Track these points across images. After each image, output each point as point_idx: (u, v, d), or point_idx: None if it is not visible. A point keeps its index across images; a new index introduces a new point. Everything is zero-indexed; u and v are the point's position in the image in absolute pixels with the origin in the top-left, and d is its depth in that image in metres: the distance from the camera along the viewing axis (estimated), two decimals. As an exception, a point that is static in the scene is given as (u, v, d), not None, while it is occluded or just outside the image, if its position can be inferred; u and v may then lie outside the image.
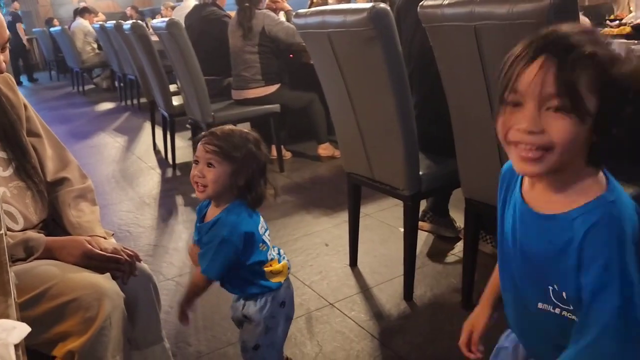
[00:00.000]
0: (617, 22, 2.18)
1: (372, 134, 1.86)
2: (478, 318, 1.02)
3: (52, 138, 1.42)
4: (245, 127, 1.38)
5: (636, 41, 1.77)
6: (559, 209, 0.76)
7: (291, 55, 3.54)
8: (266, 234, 1.33)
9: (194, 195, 3.33)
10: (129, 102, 6.45)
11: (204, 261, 1.27)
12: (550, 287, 0.78)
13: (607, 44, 0.70)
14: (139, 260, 1.31)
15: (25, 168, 1.29)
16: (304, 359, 1.65)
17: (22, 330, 0.42)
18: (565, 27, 0.71)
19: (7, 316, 0.46)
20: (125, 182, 3.63)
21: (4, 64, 1.18)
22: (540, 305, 0.81)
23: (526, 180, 0.83)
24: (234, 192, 1.27)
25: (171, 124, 3.78)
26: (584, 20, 1.59)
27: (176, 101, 3.69)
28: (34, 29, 10.91)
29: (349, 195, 2.14)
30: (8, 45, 1.24)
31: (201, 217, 1.33)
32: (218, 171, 1.25)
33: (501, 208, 0.89)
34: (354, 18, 1.64)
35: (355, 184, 2.10)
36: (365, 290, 2.00)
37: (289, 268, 1.37)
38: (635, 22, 1.99)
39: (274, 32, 3.36)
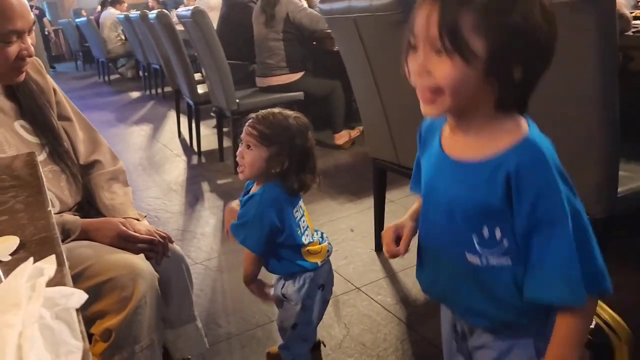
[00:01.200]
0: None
1: (398, 119, 1.86)
2: (403, 225, 0.98)
3: (83, 121, 1.45)
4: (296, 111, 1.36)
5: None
6: (481, 154, 0.76)
7: (314, 43, 3.53)
8: (302, 219, 1.34)
9: (219, 181, 3.38)
10: (153, 91, 6.52)
11: (240, 233, 1.29)
12: (479, 232, 0.78)
13: None
14: (172, 242, 1.34)
15: (58, 152, 1.32)
16: (332, 341, 1.67)
17: (80, 296, 0.45)
18: None
19: (63, 284, 0.48)
20: (152, 169, 3.69)
21: (32, 47, 1.20)
22: (469, 257, 0.81)
23: (446, 130, 0.84)
24: (270, 177, 1.28)
25: (196, 112, 3.81)
26: (619, 1, 1.55)
27: (201, 89, 3.72)
28: (59, 20, 11.08)
29: (374, 180, 2.14)
30: (34, 28, 1.25)
31: (246, 192, 1.35)
32: (254, 154, 1.26)
33: (423, 160, 0.90)
34: (381, 2, 1.63)
35: (380, 169, 2.11)
36: (391, 274, 2.01)
37: (329, 251, 1.38)
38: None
39: (298, 19, 3.36)
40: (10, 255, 0.57)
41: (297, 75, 3.48)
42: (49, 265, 0.48)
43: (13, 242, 0.58)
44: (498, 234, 0.77)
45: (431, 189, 0.86)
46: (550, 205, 0.72)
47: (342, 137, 3.64)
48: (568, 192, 0.74)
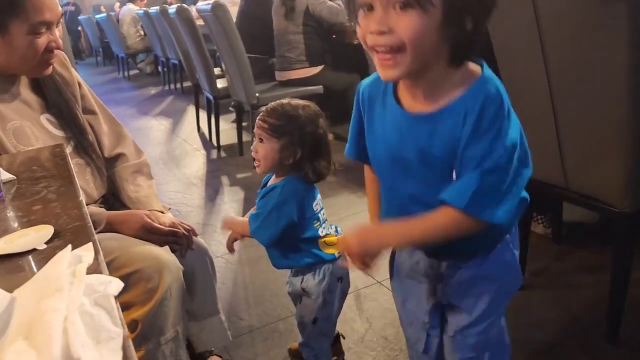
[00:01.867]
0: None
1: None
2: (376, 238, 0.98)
3: (107, 115, 1.46)
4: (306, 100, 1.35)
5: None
6: (443, 103, 0.78)
7: (334, 36, 3.52)
8: (322, 212, 1.34)
9: (239, 175, 3.39)
10: (172, 86, 6.57)
11: (255, 222, 1.28)
12: (451, 178, 0.81)
13: None
14: (196, 235, 1.34)
15: (83, 145, 1.33)
16: (354, 335, 1.66)
17: (118, 284, 0.45)
18: None
19: (99, 272, 0.48)
20: (172, 164, 3.72)
21: (60, 40, 1.21)
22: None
23: (403, 90, 0.83)
24: (285, 169, 1.28)
25: (215, 106, 3.83)
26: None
27: (220, 84, 3.74)
28: (79, 17, 11.21)
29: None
30: (62, 21, 1.26)
31: (264, 185, 1.35)
32: (267, 147, 1.26)
33: (370, 121, 0.90)
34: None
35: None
36: (412, 269, 2.00)
37: None
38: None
39: (318, 11, 3.35)
40: (46, 243, 0.57)
41: (316, 69, 3.47)
42: (86, 252, 0.48)
43: (48, 230, 0.58)
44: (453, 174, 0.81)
45: (396, 148, 0.85)
46: (496, 130, 0.75)
47: None
48: (512, 133, 0.77)
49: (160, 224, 1.27)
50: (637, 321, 1.57)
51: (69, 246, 0.49)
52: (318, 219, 1.32)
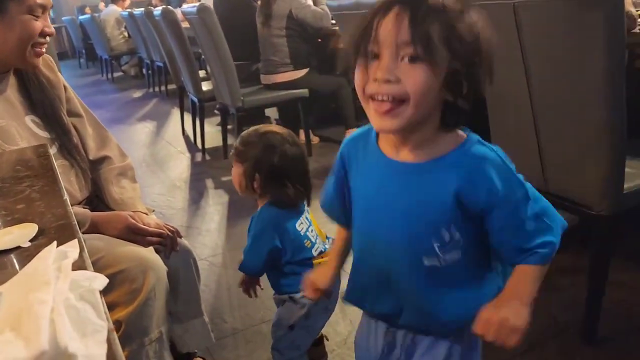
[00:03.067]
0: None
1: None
2: (322, 275, 1.03)
3: (92, 118, 1.46)
4: (273, 122, 1.40)
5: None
6: (430, 156, 0.78)
7: (319, 40, 3.54)
8: (310, 229, 1.34)
9: (224, 178, 3.38)
10: (156, 89, 6.53)
11: (244, 256, 1.31)
12: (439, 235, 0.78)
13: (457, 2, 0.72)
14: (180, 236, 1.34)
15: (68, 147, 1.33)
16: (337, 337, 1.67)
17: (102, 280, 0.45)
18: None
19: (84, 269, 0.49)
20: (156, 166, 3.70)
21: (53, 28, 1.24)
22: (426, 261, 0.80)
23: (386, 143, 0.82)
24: (254, 193, 1.31)
25: (200, 109, 3.82)
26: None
27: (205, 86, 3.73)
28: (63, 17, 11.10)
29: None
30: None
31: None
32: (235, 171, 1.32)
33: (354, 177, 0.88)
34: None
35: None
36: (396, 271, 2.01)
37: None
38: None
39: (302, 16, 3.36)
40: (30, 241, 0.57)
41: (301, 72, 3.49)
42: (72, 249, 0.49)
43: (32, 229, 0.59)
44: (456, 234, 0.79)
45: (379, 202, 0.83)
46: (509, 179, 0.76)
47: None
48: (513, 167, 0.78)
49: (144, 225, 1.27)
50: (615, 322, 1.60)
51: (55, 242, 0.50)
52: (308, 239, 1.32)
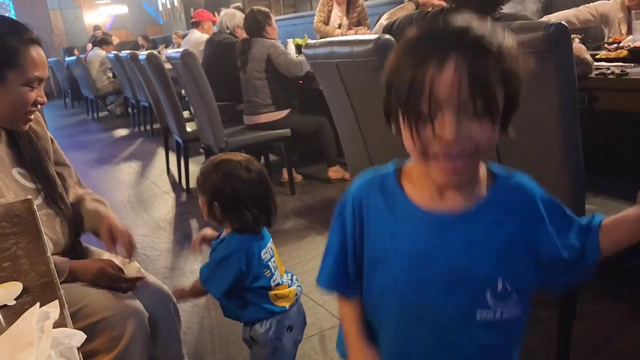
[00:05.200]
0: (615, 45, 2.25)
1: (380, 157, 1.94)
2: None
3: (73, 169, 1.54)
4: (237, 152, 1.46)
5: (633, 65, 1.85)
6: (470, 202, 0.73)
7: (300, 82, 3.65)
8: (272, 260, 1.38)
9: (206, 217, 3.41)
10: (142, 128, 6.60)
11: (204, 274, 1.35)
12: (493, 286, 0.73)
13: (496, 34, 0.67)
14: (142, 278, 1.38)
15: (53, 196, 1.38)
16: (318, 376, 1.70)
17: (80, 336, 0.50)
18: (461, 18, 0.67)
19: (64, 326, 0.54)
20: (140, 207, 3.73)
21: (45, 97, 1.31)
22: (479, 315, 0.73)
23: (418, 191, 0.75)
24: (221, 221, 1.36)
25: (185, 149, 3.88)
26: (579, 46, 1.66)
27: (189, 127, 3.80)
28: (49, 59, 11.19)
29: (359, 216, 2.21)
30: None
31: (218, 236, 1.41)
32: (200, 201, 1.38)
33: (375, 234, 0.78)
34: (361, 49, 1.73)
35: (364, 205, 2.18)
36: (376, 309, 2.05)
37: (297, 294, 1.41)
38: (632, 45, 2.07)
39: (277, 62, 3.49)
40: (15, 299, 0.62)
41: (283, 113, 3.58)
42: (53, 309, 0.54)
43: (17, 287, 0.63)
44: (509, 286, 0.73)
45: (422, 259, 0.74)
46: (559, 204, 0.77)
47: (336, 172, 3.71)
48: None
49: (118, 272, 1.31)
50: (588, 352, 1.66)
51: (38, 304, 0.54)
52: (268, 267, 1.36)
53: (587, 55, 1.67)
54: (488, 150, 0.69)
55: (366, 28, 4.77)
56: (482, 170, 0.76)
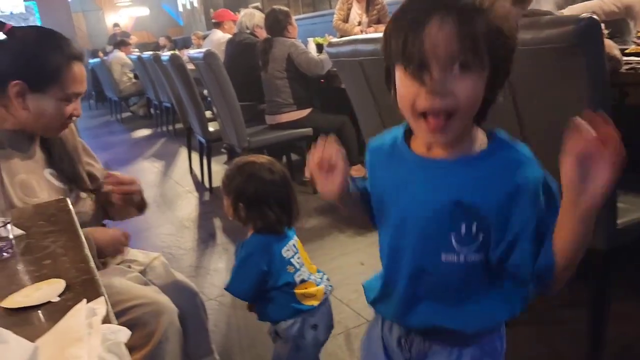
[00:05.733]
0: (645, 39, 2.20)
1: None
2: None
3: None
4: (261, 154, 1.48)
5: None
6: (461, 153, 0.78)
7: (322, 81, 3.65)
8: (295, 257, 1.39)
9: (231, 217, 3.44)
10: (164, 129, 6.67)
11: (230, 278, 1.36)
12: (457, 230, 0.78)
13: None
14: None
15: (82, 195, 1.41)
16: (344, 373, 1.70)
17: (125, 332, 0.51)
18: None
19: (108, 322, 0.55)
20: (165, 206, 3.77)
21: (81, 109, 1.35)
22: (444, 257, 0.80)
23: (417, 143, 0.82)
24: (244, 221, 1.38)
25: (207, 149, 3.92)
26: (608, 42, 1.63)
27: (212, 127, 3.83)
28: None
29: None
30: None
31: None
32: (225, 202, 1.40)
33: (379, 178, 0.89)
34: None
35: (389, 204, 2.17)
36: (401, 307, 2.04)
37: (326, 293, 1.42)
38: (663, 39, 2.02)
39: (297, 62, 3.49)
40: (59, 296, 0.63)
41: (305, 112, 3.59)
42: (99, 306, 0.55)
43: (60, 284, 0.65)
44: (474, 229, 0.78)
45: (404, 198, 0.83)
46: (550, 186, 0.76)
47: (358, 171, 3.70)
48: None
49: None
50: (619, 355, 1.63)
51: (84, 300, 0.56)
52: (291, 264, 1.37)
53: (617, 52, 1.64)
54: (470, 108, 0.71)
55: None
56: (479, 134, 0.79)
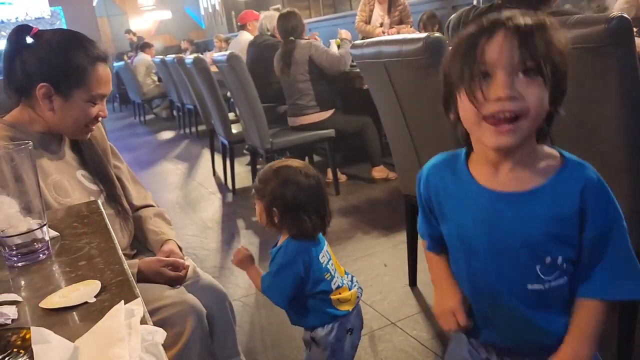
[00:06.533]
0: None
1: (428, 157, 1.92)
2: (452, 299, 0.93)
3: (130, 172, 1.60)
4: (297, 159, 1.45)
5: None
6: (532, 184, 0.79)
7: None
8: (330, 263, 1.38)
9: (254, 219, 3.45)
10: (187, 131, 6.75)
11: (265, 282, 1.36)
12: (542, 263, 0.80)
13: (545, 18, 0.75)
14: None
15: (113, 197, 1.44)
16: (369, 376, 1.70)
17: (162, 333, 0.52)
18: (507, 12, 0.75)
19: (145, 323, 0.56)
20: (188, 207, 3.81)
21: (106, 111, 1.36)
22: (530, 286, 0.82)
23: (482, 169, 0.83)
24: (278, 227, 1.36)
25: (230, 150, 3.95)
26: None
27: (235, 129, 3.87)
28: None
29: (407, 216, 2.20)
30: None
31: (275, 244, 1.42)
32: (257, 208, 1.38)
33: (445, 207, 0.88)
34: (410, 48, 1.72)
35: (412, 205, 2.16)
36: (426, 309, 2.04)
37: (358, 297, 1.41)
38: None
39: (319, 62, 3.50)
40: (95, 297, 0.65)
41: (327, 114, 3.59)
42: (137, 306, 0.56)
43: (96, 285, 0.66)
44: (560, 260, 0.80)
45: (480, 232, 0.83)
46: (614, 214, 0.78)
47: (380, 172, 3.71)
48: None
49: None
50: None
51: (122, 301, 0.57)
52: (328, 270, 1.36)
53: None
54: (538, 113, 0.74)
55: (409, 26, 4.74)
56: (549, 156, 0.81)
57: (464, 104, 0.76)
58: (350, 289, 1.40)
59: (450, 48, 0.80)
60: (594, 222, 0.78)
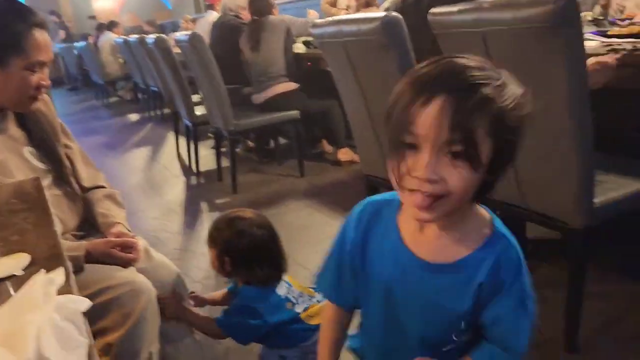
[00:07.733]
0: (628, 21, 2.21)
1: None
2: None
3: (81, 151, 1.55)
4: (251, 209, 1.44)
5: (645, 40, 1.81)
6: (455, 254, 0.76)
7: (309, 63, 3.64)
8: (291, 291, 1.36)
9: (218, 201, 3.44)
10: (152, 113, 6.63)
11: (223, 322, 1.35)
12: (458, 330, 0.79)
13: (503, 84, 0.67)
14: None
15: (62, 177, 1.40)
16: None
17: (86, 302, 0.51)
18: (461, 60, 0.68)
19: (70, 293, 0.55)
20: (152, 190, 3.76)
21: (49, 80, 1.32)
22: (445, 348, 0.81)
23: (409, 226, 0.79)
24: (228, 274, 1.37)
25: (194, 133, 3.90)
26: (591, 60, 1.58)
27: (199, 111, 3.81)
28: (57, 45, 11.24)
29: (368, 196, 2.21)
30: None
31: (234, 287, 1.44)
32: (211, 255, 1.38)
33: (372, 255, 0.83)
34: (368, 27, 1.72)
35: (373, 185, 2.18)
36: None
37: None
38: (645, 21, 2.03)
39: (299, 32, 3.58)
40: (23, 270, 0.63)
41: (295, 85, 3.59)
42: (57, 276, 0.55)
43: (25, 258, 0.65)
44: (470, 321, 0.79)
45: (397, 293, 0.81)
46: (521, 294, 0.77)
47: (345, 154, 3.71)
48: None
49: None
50: (596, 331, 1.66)
51: (42, 270, 0.56)
52: (289, 300, 1.35)
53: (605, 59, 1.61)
54: (462, 196, 0.68)
55: (376, 9, 4.73)
56: (481, 217, 0.78)
57: (390, 166, 0.71)
58: (320, 302, 1.36)
59: (399, 86, 0.70)
60: (498, 300, 0.76)
